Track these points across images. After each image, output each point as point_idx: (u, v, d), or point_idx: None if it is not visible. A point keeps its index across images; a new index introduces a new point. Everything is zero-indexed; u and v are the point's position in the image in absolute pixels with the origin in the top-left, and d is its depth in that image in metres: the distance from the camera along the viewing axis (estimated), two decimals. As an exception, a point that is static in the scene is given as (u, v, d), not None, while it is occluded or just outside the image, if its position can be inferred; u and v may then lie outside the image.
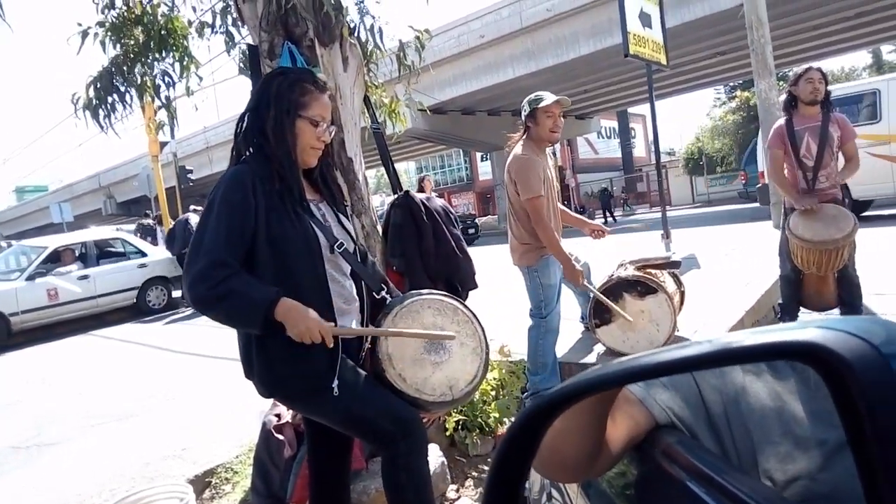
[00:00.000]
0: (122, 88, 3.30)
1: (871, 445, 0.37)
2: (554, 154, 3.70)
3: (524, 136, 3.48)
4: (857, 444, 0.39)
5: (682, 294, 4.15)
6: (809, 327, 0.43)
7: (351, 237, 1.97)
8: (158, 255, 11.69)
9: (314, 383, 1.76)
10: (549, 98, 3.38)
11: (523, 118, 3.48)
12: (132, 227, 19.80)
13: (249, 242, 1.71)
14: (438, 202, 3.11)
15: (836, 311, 4.10)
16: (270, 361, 1.75)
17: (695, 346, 0.47)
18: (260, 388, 1.84)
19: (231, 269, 1.64)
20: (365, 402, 1.82)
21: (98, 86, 3.26)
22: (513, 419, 3.22)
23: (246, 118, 1.85)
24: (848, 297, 3.97)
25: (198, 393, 5.02)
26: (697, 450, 0.78)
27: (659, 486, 0.81)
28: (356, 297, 1.96)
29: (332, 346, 1.71)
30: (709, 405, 0.85)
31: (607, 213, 24.09)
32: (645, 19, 7.71)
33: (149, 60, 3.29)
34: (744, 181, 16.01)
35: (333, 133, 1.93)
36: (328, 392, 1.75)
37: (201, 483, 3.12)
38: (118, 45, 3.22)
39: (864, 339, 0.40)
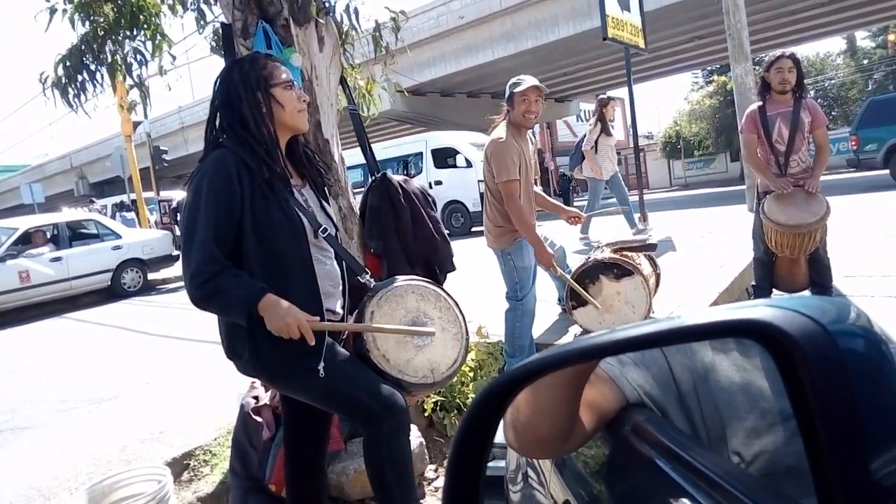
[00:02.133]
0: (93, 67, 3.22)
1: (816, 421, 0.39)
2: (533, 136, 3.70)
3: (504, 120, 3.49)
4: (803, 420, 0.40)
5: (658, 276, 4.21)
6: (760, 306, 0.44)
7: (332, 221, 1.98)
8: (133, 237, 11.51)
9: (300, 364, 1.79)
10: (525, 83, 3.38)
11: (503, 102, 3.48)
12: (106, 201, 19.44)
13: (237, 228, 1.71)
14: (416, 185, 3.10)
15: (808, 292, 4.20)
16: (256, 343, 1.77)
17: (651, 324, 0.48)
18: (246, 368, 1.86)
19: (218, 265, 1.68)
20: (350, 382, 1.86)
21: (67, 64, 3.17)
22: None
23: (218, 114, 1.84)
24: (819, 278, 4.06)
25: (175, 376, 4.98)
26: (666, 427, 0.80)
27: (628, 463, 0.83)
28: (341, 279, 1.98)
29: (312, 343, 1.73)
30: (679, 383, 0.87)
31: (565, 202, 22.83)
32: (623, 2, 7.71)
33: (120, 38, 3.21)
34: (854, 146, 13.36)
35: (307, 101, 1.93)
36: (314, 373, 1.78)
37: (179, 465, 3.11)
38: (87, 23, 3.13)
39: (811, 318, 0.41)
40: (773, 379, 0.82)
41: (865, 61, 37.62)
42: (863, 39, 37.06)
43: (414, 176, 12.20)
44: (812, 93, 6.00)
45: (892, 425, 0.40)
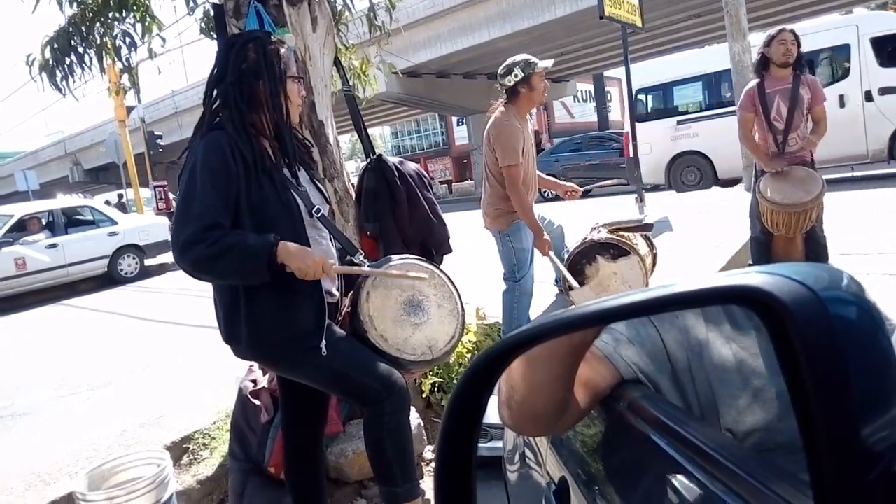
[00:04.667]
0: (81, 50, 3.18)
1: (807, 386, 0.38)
2: (531, 117, 3.70)
3: (507, 102, 3.46)
4: (793, 385, 0.40)
5: (655, 256, 4.20)
6: (752, 272, 0.43)
7: (326, 200, 1.99)
8: (130, 223, 11.48)
9: (302, 344, 1.79)
10: (543, 61, 3.40)
11: (511, 83, 3.43)
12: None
13: (232, 210, 1.70)
14: (412, 166, 3.09)
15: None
16: (257, 325, 1.76)
17: (644, 292, 0.48)
18: (245, 352, 1.86)
19: (224, 229, 1.65)
20: (350, 362, 1.87)
21: (55, 46, 3.13)
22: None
23: (227, 91, 1.79)
24: (815, 257, 4.07)
25: (173, 361, 4.99)
26: (660, 403, 0.80)
27: (624, 439, 0.83)
28: (336, 259, 1.98)
29: (334, 280, 1.80)
30: (673, 360, 0.87)
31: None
32: (620, -20, 7.62)
33: (108, 20, 3.16)
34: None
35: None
36: (316, 352, 1.78)
37: (179, 449, 3.12)
38: (75, 4, 3.09)
39: (803, 284, 0.41)
40: (766, 356, 0.82)
41: (864, 38, 37.32)
42: (861, 16, 36.76)
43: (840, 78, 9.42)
44: (807, 69, 6.01)
45: (882, 391, 0.40)
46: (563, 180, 15.43)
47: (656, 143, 11.85)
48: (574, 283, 3.57)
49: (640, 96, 11.97)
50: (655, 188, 12.42)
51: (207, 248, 1.61)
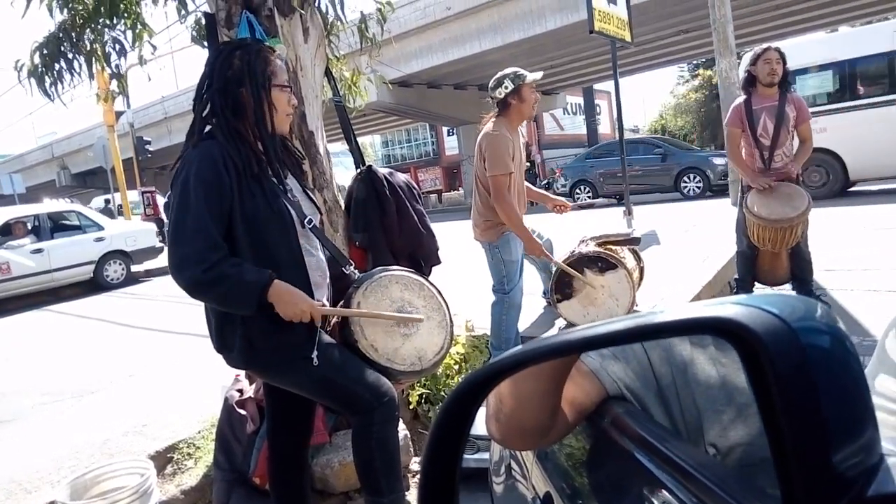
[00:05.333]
0: (70, 56, 3.17)
1: (779, 415, 0.39)
2: (522, 129, 3.75)
3: (498, 114, 3.49)
4: (766, 414, 0.41)
5: (642, 270, 4.24)
6: (727, 303, 0.45)
7: (318, 210, 2.00)
8: (116, 229, 11.39)
9: (294, 353, 1.80)
10: (531, 74, 3.44)
11: (502, 95, 3.46)
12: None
13: (226, 221, 1.70)
14: (401, 177, 3.10)
15: (789, 285, 4.25)
16: (250, 333, 1.77)
17: (625, 320, 0.49)
18: (236, 360, 1.86)
19: (222, 252, 1.66)
20: (342, 371, 1.87)
21: (44, 52, 3.12)
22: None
23: (213, 98, 1.80)
24: (800, 272, 4.12)
25: (158, 369, 4.95)
26: (644, 420, 0.81)
27: (608, 455, 0.84)
28: (327, 271, 1.99)
29: (319, 325, 1.78)
30: (659, 377, 0.88)
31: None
32: (610, -5, 7.71)
33: (99, 27, 3.16)
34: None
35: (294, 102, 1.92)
36: (307, 362, 1.79)
37: (163, 458, 3.09)
38: (66, 10, 3.08)
39: (776, 315, 0.42)
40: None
41: (849, 56, 37.92)
42: (846, 35, 37.34)
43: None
44: (794, 86, 6.04)
45: (853, 418, 0.41)
46: (598, 187, 14.75)
47: None
48: (578, 274, 3.59)
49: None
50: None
51: (203, 272, 1.62)
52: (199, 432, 3.24)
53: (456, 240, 4.84)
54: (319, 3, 3.01)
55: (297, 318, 1.71)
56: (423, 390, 3.13)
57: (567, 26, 16.18)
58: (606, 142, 22.18)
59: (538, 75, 3.49)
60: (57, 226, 10.81)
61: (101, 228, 11.02)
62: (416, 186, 3.17)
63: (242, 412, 2.61)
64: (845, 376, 0.42)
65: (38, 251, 10.05)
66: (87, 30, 3.15)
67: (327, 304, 1.97)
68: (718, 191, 13.00)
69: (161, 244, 11.86)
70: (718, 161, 13.66)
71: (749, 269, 4.24)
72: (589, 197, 15.65)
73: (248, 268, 1.68)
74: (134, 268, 11.38)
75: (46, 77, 3.17)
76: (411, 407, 3.11)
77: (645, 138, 21.29)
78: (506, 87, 3.45)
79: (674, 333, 0.66)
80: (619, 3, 7.93)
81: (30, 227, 10.44)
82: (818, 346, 0.42)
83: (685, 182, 14.45)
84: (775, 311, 0.42)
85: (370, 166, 2.99)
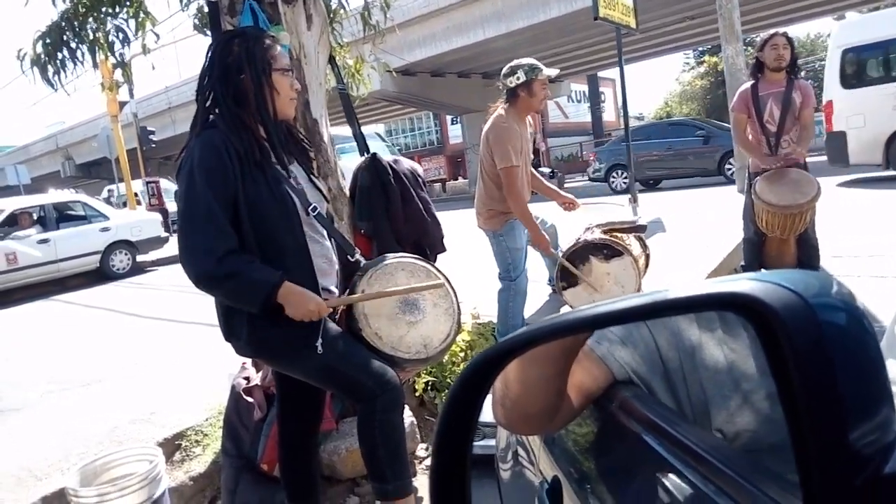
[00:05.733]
0: (73, 45, 3.16)
1: (797, 392, 0.39)
2: (532, 123, 3.74)
3: (507, 104, 3.47)
4: (784, 391, 0.41)
5: (648, 257, 4.22)
6: (742, 279, 0.44)
7: (324, 197, 1.99)
8: (122, 219, 11.41)
9: (299, 342, 1.81)
10: (547, 69, 3.41)
11: (512, 84, 3.44)
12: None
13: (231, 210, 1.70)
14: (406, 165, 3.09)
15: (795, 272, 4.23)
16: (256, 322, 1.78)
17: (637, 297, 0.49)
18: (244, 349, 1.88)
19: (232, 241, 1.66)
20: (346, 359, 1.88)
21: (47, 41, 3.11)
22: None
23: (214, 87, 1.80)
24: (807, 259, 4.10)
25: (165, 357, 4.98)
26: (652, 403, 0.81)
27: (616, 439, 0.84)
28: (335, 258, 1.99)
29: (326, 312, 1.79)
30: (666, 361, 0.88)
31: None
32: (615, -19, 7.65)
33: (102, 15, 3.14)
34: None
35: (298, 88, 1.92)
36: (312, 350, 1.80)
37: (171, 446, 3.11)
38: None
39: (793, 290, 0.42)
40: (756, 359, 0.83)
41: (856, 42, 37.56)
42: (854, 20, 36.97)
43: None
44: (802, 73, 5.98)
45: (870, 395, 0.40)
46: (636, 171, 14.42)
47: (871, 113, 9.25)
48: (577, 271, 3.59)
49: (849, 56, 9.60)
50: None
51: (215, 266, 1.64)
52: (207, 419, 3.26)
53: (460, 228, 4.83)
54: (323, -10, 2.98)
55: (306, 318, 1.73)
56: (430, 377, 3.14)
57: (571, 13, 16.05)
58: (644, 124, 21.71)
59: (553, 72, 3.46)
60: (62, 216, 10.83)
61: (106, 218, 11.04)
62: (420, 174, 3.16)
63: (249, 399, 2.63)
64: (862, 353, 0.41)
65: (45, 241, 10.08)
66: (90, 18, 3.14)
67: (335, 291, 1.98)
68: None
69: (166, 234, 11.89)
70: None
71: (756, 255, 4.23)
72: (625, 183, 14.58)
73: (258, 266, 1.69)
74: (139, 257, 11.42)
75: (49, 66, 3.16)
76: (417, 394, 3.12)
77: (686, 119, 20.55)
78: (518, 78, 3.42)
79: (688, 310, 0.66)
80: (624, -11, 7.88)
81: (36, 218, 10.47)
82: (835, 322, 0.42)
83: (730, 165, 12.92)
84: (792, 286, 0.42)
85: (375, 154, 2.99)
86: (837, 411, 0.39)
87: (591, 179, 17.24)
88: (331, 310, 1.82)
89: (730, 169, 12.94)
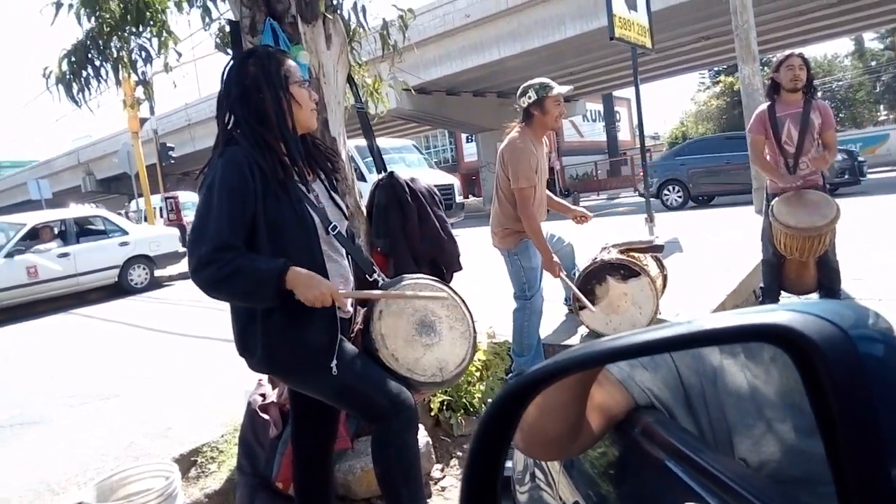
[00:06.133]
0: (98, 63, 3.23)
1: (838, 426, 0.39)
2: (547, 142, 3.74)
3: (523, 124, 3.48)
4: (824, 425, 0.40)
5: (665, 277, 4.20)
6: (780, 310, 0.44)
7: (344, 215, 2.00)
8: (140, 234, 11.56)
9: (314, 361, 1.80)
10: (559, 86, 3.41)
11: (524, 105, 3.46)
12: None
13: (249, 226, 1.72)
14: (423, 183, 3.10)
15: (816, 295, 4.18)
16: (271, 340, 1.78)
17: (671, 327, 0.49)
18: (258, 365, 1.88)
19: (237, 251, 1.67)
20: (361, 379, 1.87)
21: (72, 59, 3.18)
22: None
23: (234, 109, 1.83)
24: (827, 281, 4.04)
25: (182, 373, 5.00)
26: (675, 429, 0.80)
27: (638, 464, 0.83)
28: (351, 276, 1.99)
29: (348, 310, 1.79)
30: (687, 386, 0.87)
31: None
32: (630, 2, 7.68)
33: (125, 34, 3.21)
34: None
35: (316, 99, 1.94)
36: (328, 370, 1.79)
37: (187, 462, 3.12)
38: (93, 18, 3.14)
39: (833, 322, 0.41)
40: (781, 386, 0.82)
41: (873, 63, 37.45)
42: (871, 41, 36.88)
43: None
44: (819, 94, 5.92)
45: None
46: (691, 186, 13.57)
47: None
48: (587, 303, 3.56)
49: None
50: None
51: (218, 269, 1.64)
52: (223, 436, 3.26)
53: (476, 246, 4.83)
54: (342, 11, 3.03)
55: (318, 300, 1.69)
56: (445, 397, 3.12)
57: (587, 33, 16.14)
58: (701, 137, 21.06)
59: (565, 89, 3.46)
60: (83, 230, 10.99)
61: (125, 233, 11.19)
62: (437, 192, 3.17)
63: (265, 417, 2.63)
64: (904, 388, 0.41)
65: (65, 255, 10.23)
66: (114, 37, 3.21)
67: (350, 310, 1.98)
68: (831, 191, 11.62)
69: (184, 249, 12.01)
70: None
71: (775, 277, 4.18)
72: (679, 199, 14.46)
73: (262, 259, 1.69)
74: (157, 272, 11.53)
75: (74, 84, 3.23)
76: (433, 414, 3.11)
77: (741, 133, 20.09)
78: (529, 97, 3.43)
79: (724, 341, 0.65)
80: (639, 10, 7.90)
81: (56, 232, 10.64)
82: (875, 354, 0.41)
83: None
84: (831, 318, 0.41)
85: (392, 172, 3.00)
86: (878, 446, 0.38)
87: (640, 195, 16.47)
88: (347, 304, 1.79)
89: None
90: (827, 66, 36.76)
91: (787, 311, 0.44)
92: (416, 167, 14.71)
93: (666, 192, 14.98)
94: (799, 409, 0.78)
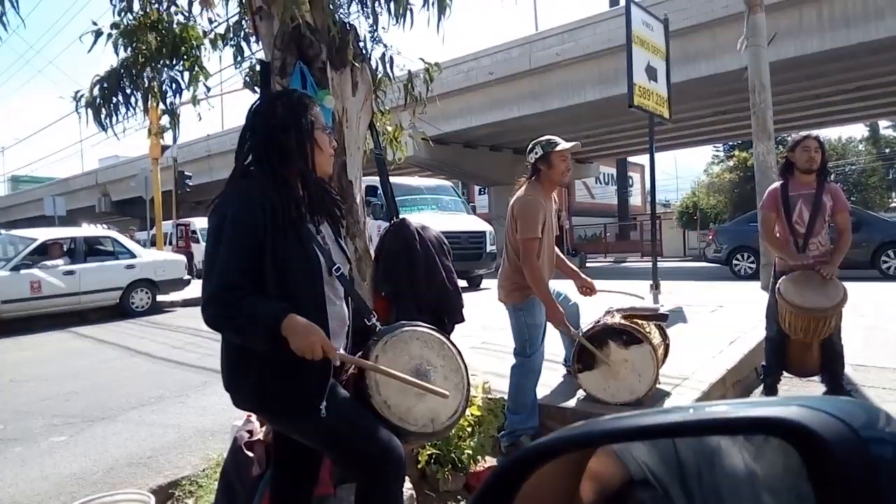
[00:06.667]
0: (129, 91, 3.31)
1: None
2: (557, 200, 3.78)
3: (532, 179, 3.53)
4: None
5: (667, 346, 4.15)
6: (791, 405, 0.43)
7: (347, 259, 2.01)
8: (147, 258, 11.61)
9: (303, 403, 1.77)
10: (564, 143, 3.48)
11: (532, 160, 3.52)
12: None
13: (257, 261, 1.73)
14: (433, 232, 3.12)
15: (818, 377, 4.12)
16: (262, 378, 1.76)
17: (677, 412, 0.48)
18: (245, 402, 1.85)
19: (241, 292, 1.67)
20: (351, 426, 1.83)
21: (104, 86, 3.27)
22: (487, 458, 3.17)
23: (258, 147, 1.86)
24: (831, 365, 3.98)
25: (171, 401, 4.94)
26: (669, 511, 0.77)
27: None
28: (347, 320, 1.98)
29: (337, 363, 1.76)
30: (683, 464, 0.84)
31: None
32: (651, 73, 7.86)
33: (159, 66, 3.31)
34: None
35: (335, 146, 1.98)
36: (316, 413, 1.75)
37: (164, 494, 3.05)
38: (130, 49, 3.24)
39: (844, 421, 0.40)
40: (781, 472, 0.79)
41: (887, 150, 37.90)
42: (885, 128, 37.42)
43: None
44: (832, 176, 5.96)
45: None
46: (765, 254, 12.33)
47: None
48: (595, 351, 3.53)
49: None
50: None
51: (223, 308, 1.66)
52: (204, 470, 3.20)
53: (481, 298, 4.82)
54: (370, 60, 3.11)
55: (309, 351, 1.65)
56: (434, 451, 3.05)
57: (606, 98, 16.47)
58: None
59: (570, 145, 3.51)
60: (91, 250, 11.06)
61: (133, 256, 11.25)
62: (446, 242, 3.18)
63: (249, 454, 2.57)
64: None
65: (70, 273, 10.27)
66: (148, 68, 3.30)
67: (343, 352, 1.96)
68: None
69: (188, 277, 12.05)
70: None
71: (778, 357, 4.12)
72: (751, 267, 12.95)
73: (264, 303, 1.68)
74: (160, 297, 11.53)
75: (103, 109, 3.31)
76: (419, 466, 3.03)
77: (855, 209, 18.60)
78: (535, 153, 3.50)
79: (733, 431, 0.63)
80: (659, 81, 8.08)
81: (65, 249, 10.71)
82: (886, 457, 0.40)
83: (887, 259, 11.73)
84: (843, 416, 0.40)
85: (403, 219, 3.03)
86: None
87: (708, 260, 15.38)
88: (335, 357, 1.74)
89: (887, 263, 11.77)
90: (841, 150, 37.20)
91: (798, 406, 0.43)
92: (449, 211, 13.60)
93: (737, 259, 13.78)
94: (798, 499, 0.76)
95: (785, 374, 4.19)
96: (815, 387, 4.24)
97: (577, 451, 0.58)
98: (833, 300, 3.70)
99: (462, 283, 11.55)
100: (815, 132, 4.10)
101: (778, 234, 4.07)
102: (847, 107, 19.40)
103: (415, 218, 3.05)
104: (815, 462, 0.40)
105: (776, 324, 3.99)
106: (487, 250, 12.74)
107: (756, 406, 0.45)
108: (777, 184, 4.11)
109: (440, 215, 12.66)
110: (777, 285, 3.93)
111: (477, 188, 37.58)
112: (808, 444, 0.40)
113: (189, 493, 3.06)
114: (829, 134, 38.61)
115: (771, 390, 4.15)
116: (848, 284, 3.81)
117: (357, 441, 1.84)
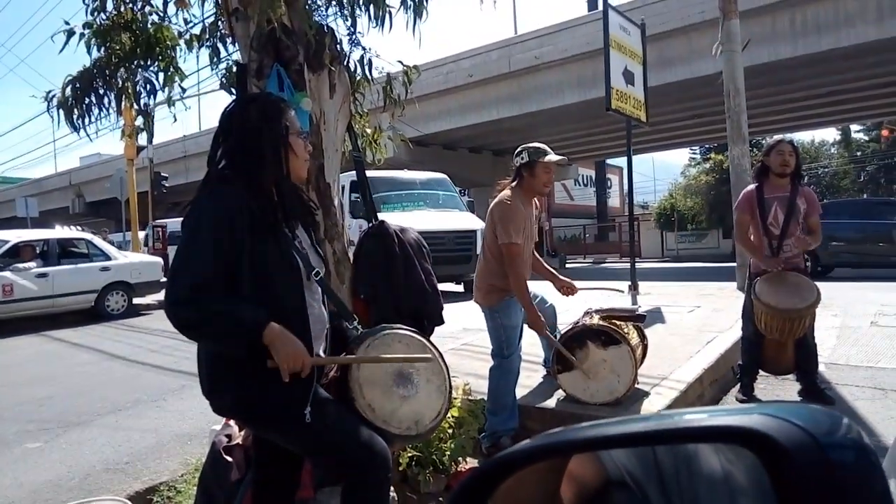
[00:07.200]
0: (102, 91, 3.26)
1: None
2: (538, 204, 3.81)
3: (514, 183, 3.54)
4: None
5: (645, 347, 4.19)
6: (753, 413, 0.44)
7: (323, 260, 1.99)
8: (123, 260, 11.44)
9: (287, 410, 1.75)
10: (552, 154, 3.49)
11: (517, 164, 3.53)
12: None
13: (233, 266, 1.70)
14: (412, 234, 3.12)
15: (792, 376, 4.20)
16: (243, 385, 1.73)
17: (642, 421, 0.49)
18: (226, 410, 1.82)
19: (215, 292, 1.64)
20: (335, 430, 1.82)
21: (77, 86, 3.21)
22: (469, 459, 3.18)
23: (233, 151, 1.83)
24: (805, 363, 4.07)
25: (148, 405, 4.87)
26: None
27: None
28: (327, 322, 1.97)
29: (306, 376, 1.72)
30: (661, 466, 0.85)
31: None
32: (628, 77, 7.95)
33: (133, 67, 3.26)
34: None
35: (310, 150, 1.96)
36: (300, 418, 1.74)
37: (142, 500, 3.01)
38: (103, 49, 3.19)
39: (804, 429, 0.41)
40: (757, 480, 0.81)
41: (858, 153, 38.73)
42: (857, 132, 38.23)
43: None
44: (805, 179, 6.03)
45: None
46: (823, 255, 11.50)
47: None
48: (571, 358, 3.55)
49: None
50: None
51: (195, 310, 1.62)
52: (182, 475, 3.16)
53: (460, 300, 4.83)
54: (348, 62, 3.10)
55: (290, 363, 1.65)
56: (415, 452, 3.05)
57: (584, 101, 16.62)
58: (837, 200, 19.91)
59: (556, 158, 3.52)
60: (65, 252, 10.86)
61: (107, 258, 11.07)
62: (425, 244, 3.18)
63: (228, 459, 2.55)
64: (872, 495, 0.41)
65: (43, 276, 10.08)
66: (122, 68, 3.25)
67: (323, 355, 1.95)
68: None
69: (165, 279, 11.87)
70: None
71: (754, 356, 4.20)
72: (808, 265, 12.59)
73: (244, 306, 1.66)
74: (136, 300, 11.37)
75: (75, 110, 3.25)
76: (401, 469, 3.03)
77: (890, 200, 17.66)
78: (521, 158, 3.51)
79: (695, 440, 0.64)
80: (636, 85, 8.18)
81: (38, 252, 10.50)
82: (846, 462, 0.41)
83: None
84: (802, 423, 0.41)
85: (382, 221, 3.02)
86: None
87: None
88: (313, 366, 1.73)
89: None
90: (814, 153, 37.92)
91: (759, 414, 0.44)
92: (441, 208, 12.63)
93: None
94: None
95: (761, 372, 4.27)
96: (790, 385, 4.32)
97: (538, 462, 0.59)
98: (807, 301, 3.78)
99: (458, 287, 11.20)
100: (788, 136, 4.19)
101: (752, 237, 4.14)
102: (819, 111, 19.81)
103: (404, 216, 3.04)
104: (775, 469, 0.41)
105: (752, 324, 4.06)
106: (476, 252, 12.13)
107: (720, 415, 0.46)
108: (752, 186, 4.18)
109: (429, 213, 11.99)
110: (752, 286, 4.00)
111: (457, 190, 37.61)
112: (769, 452, 0.42)
113: (167, 498, 3.02)
114: (803, 137, 39.32)
115: (747, 388, 4.22)
116: (821, 285, 3.89)
117: (341, 445, 1.83)
